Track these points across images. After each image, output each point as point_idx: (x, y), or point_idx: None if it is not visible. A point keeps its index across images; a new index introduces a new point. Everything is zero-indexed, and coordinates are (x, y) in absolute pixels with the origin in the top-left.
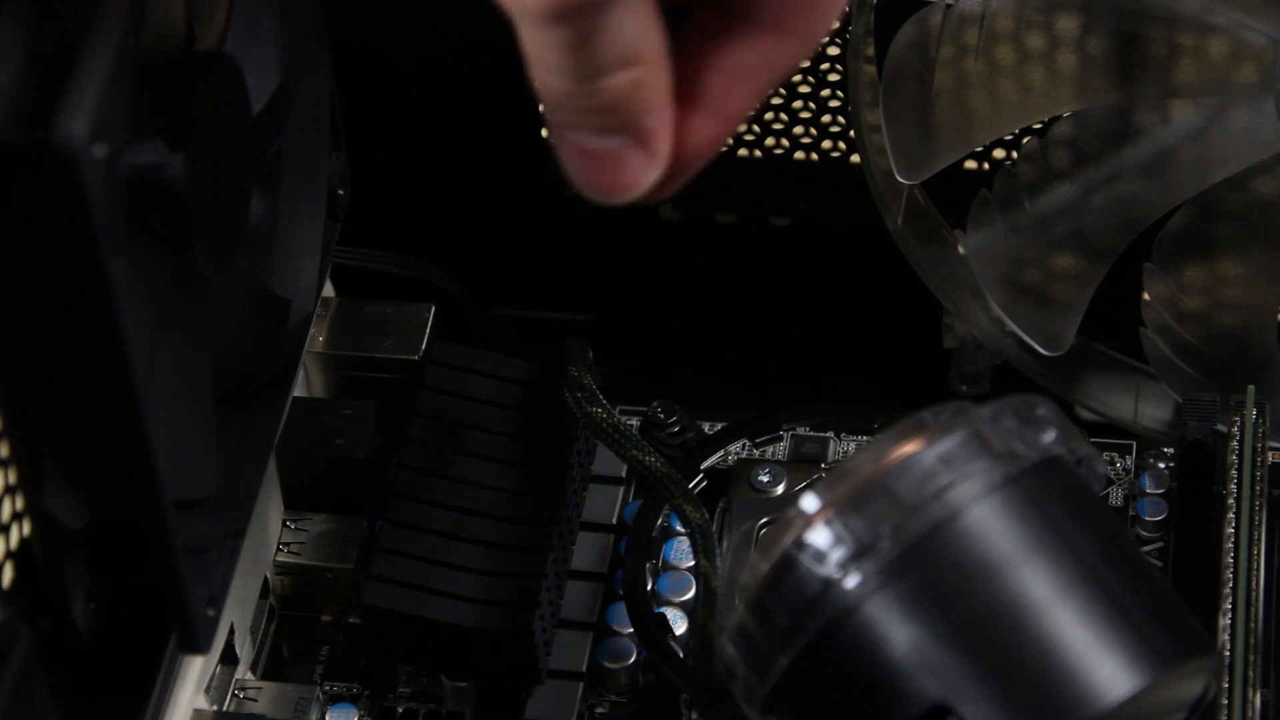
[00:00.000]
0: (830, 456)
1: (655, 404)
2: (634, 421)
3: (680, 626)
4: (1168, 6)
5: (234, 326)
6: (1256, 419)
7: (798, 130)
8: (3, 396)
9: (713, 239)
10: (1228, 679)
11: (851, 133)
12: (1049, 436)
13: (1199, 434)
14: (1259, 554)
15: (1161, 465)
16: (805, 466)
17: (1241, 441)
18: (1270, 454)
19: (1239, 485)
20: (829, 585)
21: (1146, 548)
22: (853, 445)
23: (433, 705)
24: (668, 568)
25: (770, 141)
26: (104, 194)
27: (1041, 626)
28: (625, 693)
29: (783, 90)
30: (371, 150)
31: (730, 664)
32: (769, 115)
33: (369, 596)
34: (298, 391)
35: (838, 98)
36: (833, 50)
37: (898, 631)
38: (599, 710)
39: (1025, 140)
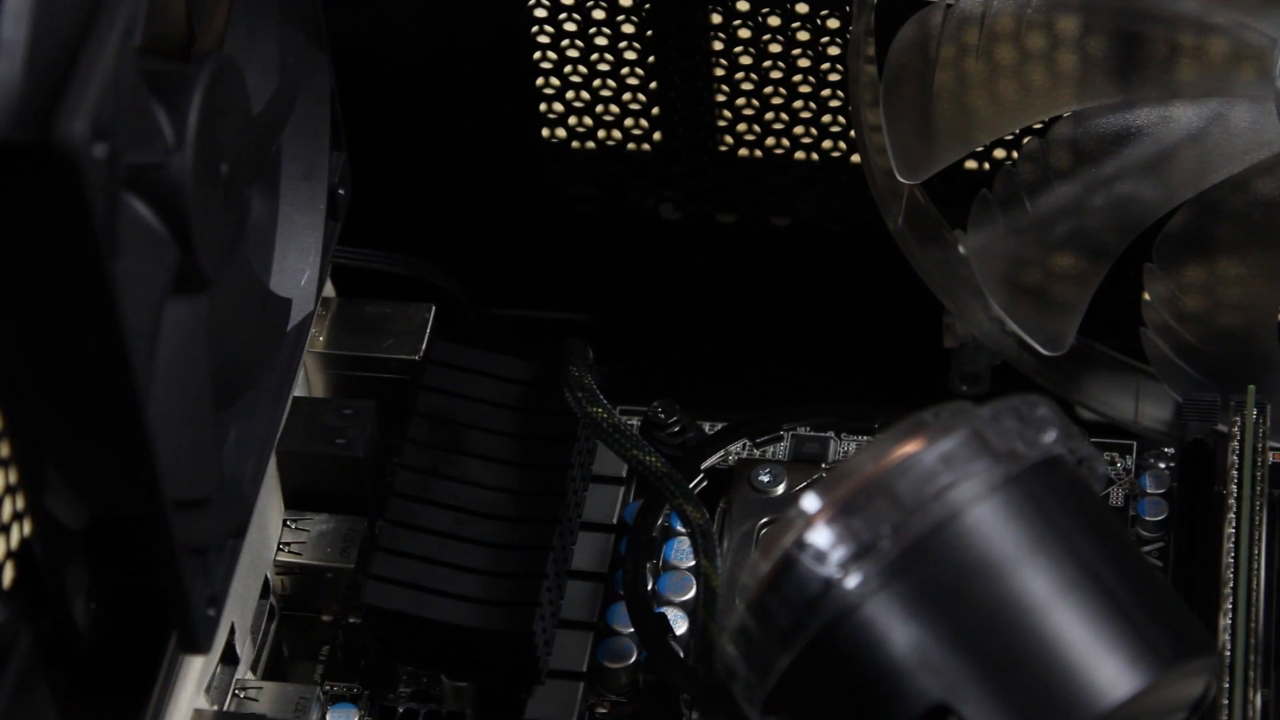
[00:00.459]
0: (830, 456)
1: (655, 404)
2: (634, 421)
3: (681, 626)
4: (1168, 6)
5: (234, 326)
6: (1257, 419)
7: (798, 130)
8: (3, 396)
9: (713, 239)
10: (1228, 679)
11: (852, 133)
12: (1049, 436)
13: (1199, 434)
14: (1259, 554)
15: (1162, 465)
16: (805, 466)
17: (1242, 441)
18: (1271, 454)
19: (1239, 485)
20: (829, 585)
21: (1147, 548)
22: (853, 445)
23: (433, 705)
24: (668, 568)
25: (770, 141)
26: (104, 194)
27: (1042, 626)
28: (626, 693)
29: (783, 90)
30: (371, 150)
31: (731, 664)
32: (769, 115)
33: (369, 596)
34: (298, 391)
35: (838, 98)
36: (833, 50)
37: (898, 631)
38: (600, 710)
39: (1025, 140)
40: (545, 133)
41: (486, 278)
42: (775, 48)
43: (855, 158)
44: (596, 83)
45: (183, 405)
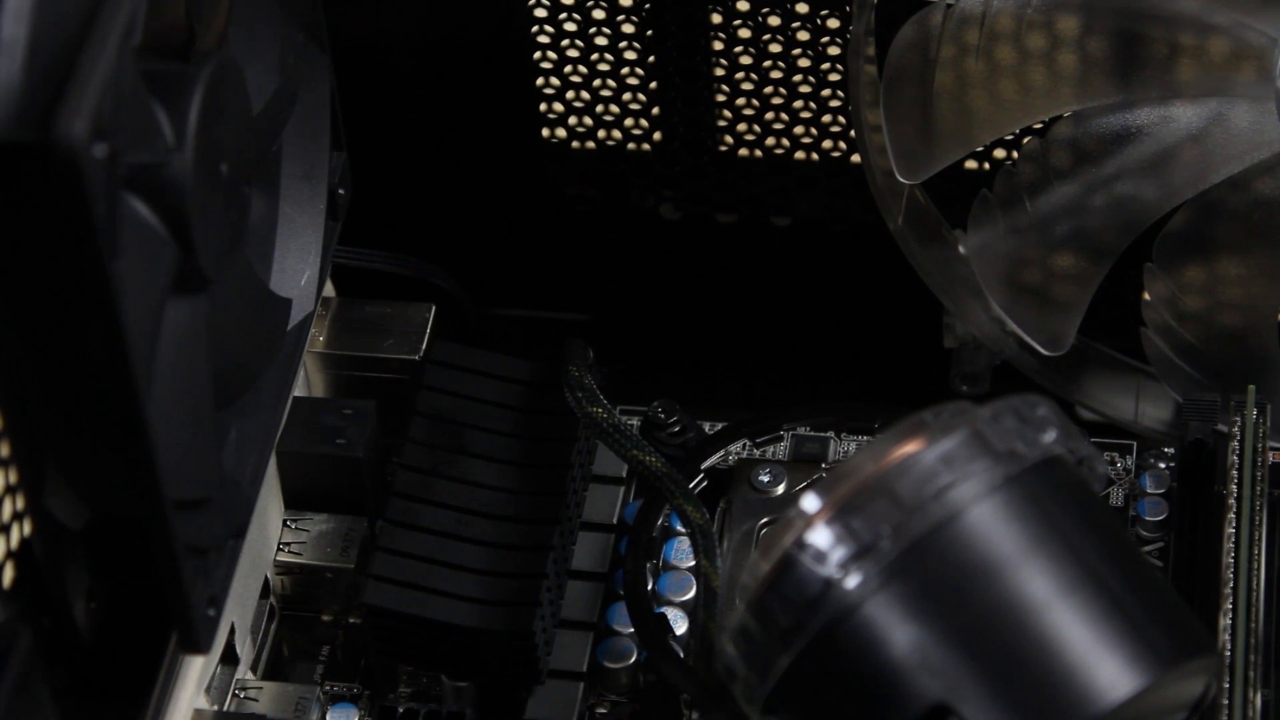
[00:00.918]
0: (831, 456)
1: (655, 404)
2: (634, 421)
3: (681, 626)
4: (1168, 6)
5: (234, 326)
6: (1257, 419)
7: (798, 130)
8: (3, 396)
9: (713, 239)
10: (1228, 679)
11: (852, 133)
12: (1049, 436)
13: (1199, 434)
14: (1259, 554)
15: (1162, 465)
16: (806, 466)
17: (1242, 441)
18: (1271, 454)
19: (1239, 485)
20: (829, 585)
21: (1147, 548)
22: (853, 445)
23: (433, 705)
24: (668, 568)
25: (770, 141)
26: (104, 194)
27: (1042, 626)
28: (626, 693)
29: (783, 90)
30: (371, 150)
31: (731, 664)
32: (769, 115)
33: (369, 596)
34: (298, 391)
35: (838, 98)
36: (833, 50)
37: (898, 631)
38: (600, 710)
39: (1026, 140)
40: (545, 133)
41: (486, 278)
42: (775, 48)
43: (855, 158)
44: (596, 83)
45: (183, 405)
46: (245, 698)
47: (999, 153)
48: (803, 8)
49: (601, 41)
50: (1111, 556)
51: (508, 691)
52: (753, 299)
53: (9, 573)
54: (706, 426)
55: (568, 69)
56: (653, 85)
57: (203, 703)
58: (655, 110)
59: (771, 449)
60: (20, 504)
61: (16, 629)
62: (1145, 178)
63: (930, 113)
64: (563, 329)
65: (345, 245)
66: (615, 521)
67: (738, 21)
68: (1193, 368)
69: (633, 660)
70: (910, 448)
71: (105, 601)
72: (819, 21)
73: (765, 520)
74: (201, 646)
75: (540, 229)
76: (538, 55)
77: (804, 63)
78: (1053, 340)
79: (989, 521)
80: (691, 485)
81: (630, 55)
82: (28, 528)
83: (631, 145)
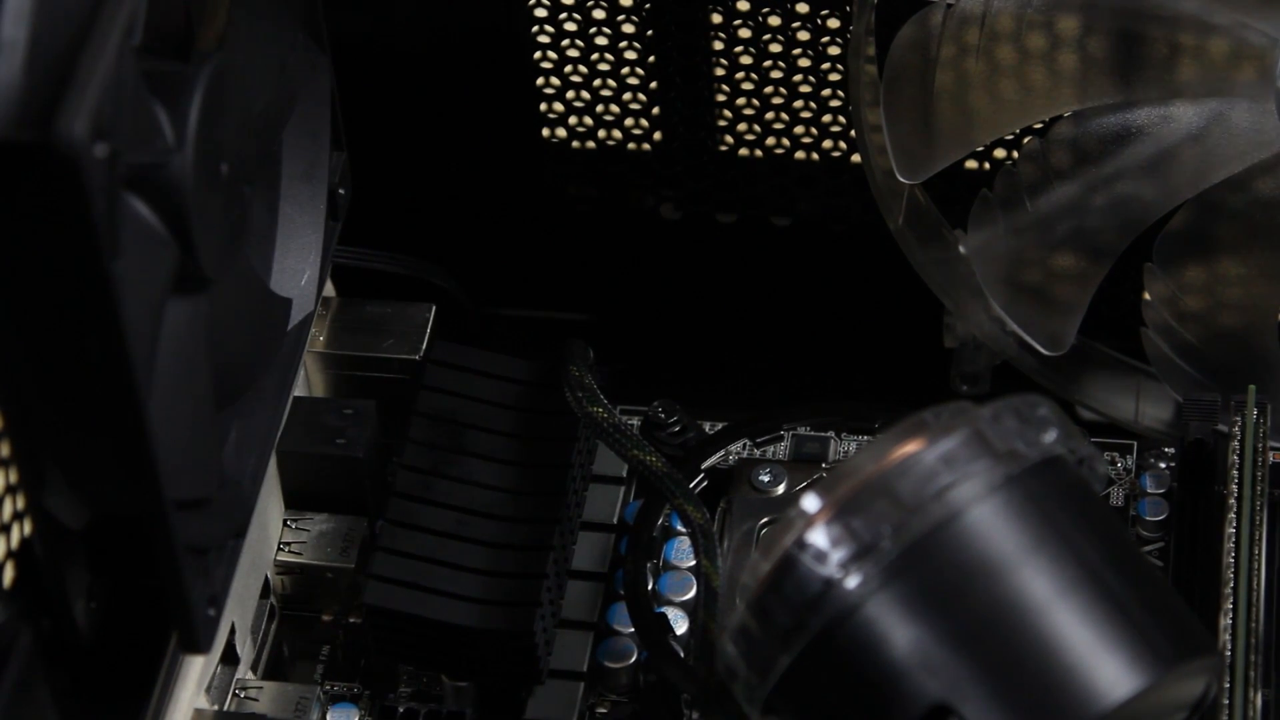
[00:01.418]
0: (831, 456)
1: (655, 404)
2: (634, 421)
3: (681, 626)
4: (1169, 6)
5: (234, 326)
6: (1257, 419)
7: (798, 130)
8: (3, 396)
9: (713, 239)
10: (1229, 679)
11: (852, 132)
12: (1050, 436)
13: (1200, 434)
14: (1260, 554)
15: (1162, 465)
16: (806, 466)
17: (1242, 441)
18: (1271, 454)
19: (1240, 485)
20: (830, 585)
21: (1147, 548)
22: (853, 445)
23: (433, 705)
24: (668, 567)
25: (770, 141)
26: (104, 194)
27: (1043, 626)
28: (626, 692)
29: (783, 90)
30: (371, 150)
31: (731, 664)
32: (769, 115)
33: (370, 596)
34: (298, 391)
35: (838, 97)
36: (833, 50)
37: (899, 631)
38: (600, 710)
39: (1026, 140)
40: (545, 133)
41: (486, 278)
42: (775, 47)
43: (855, 158)
44: (597, 83)
45: (183, 405)
46: (245, 697)
47: (999, 153)
48: (803, 8)
49: (602, 41)
50: (1112, 556)
51: (508, 691)
52: (753, 299)
53: (9, 573)
54: (706, 426)
55: (568, 69)
56: (653, 85)
57: (203, 702)
58: (655, 110)
59: (771, 449)
60: (20, 504)
61: (16, 629)
62: (1145, 178)
63: (930, 113)
64: (563, 329)
65: (345, 245)
66: (615, 521)
67: (738, 21)
68: (1193, 368)
69: (633, 660)
70: (911, 448)
71: (105, 601)
72: (819, 21)
73: (765, 520)
74: (202, 646)
75: (540, 229)
76: (538, 55)
77: (804, 62)
78: (1053, 340)
79: (989, 521)
80: (692, 485)
81: (630, 55)
82: (28, 528)
83: (631, 145)
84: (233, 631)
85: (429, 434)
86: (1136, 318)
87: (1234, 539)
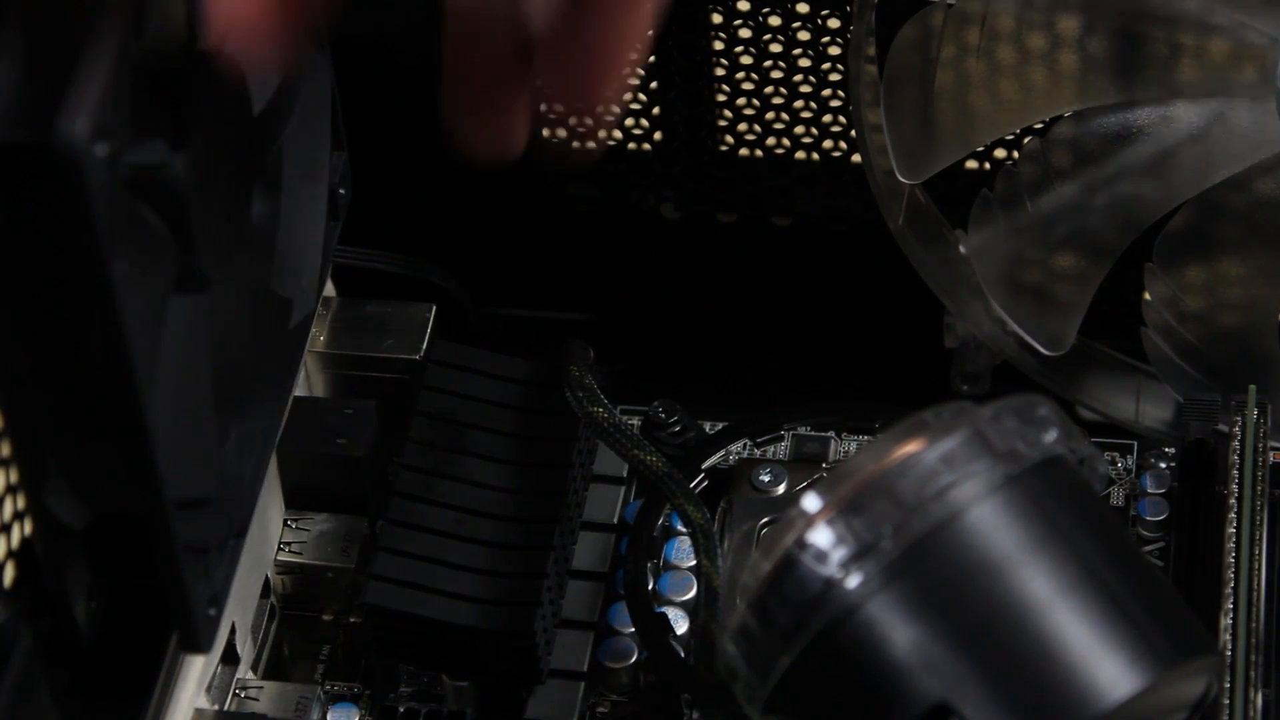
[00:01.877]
0: (831, 456)
1: (656, 404)
2: (635, 421)
3: (681, 626)
4: (1169, 6)
5: (235, 326)
6: (1258, 419)
7: (799, 130)
8: (3, 396)
9: (713, 239)
10: (1229, 679)
11: (852, 132)
12: (1050, 436)
13: (1200, 434)
14: (1260, 554)
15: (1163, 465)
16: (806, 466)
17: (1243, 441)
18: (1271, 454)
19: (1240, 485)
20: (830, 585)
21: (1147, 548)
22: (854, 445)
23: (434, 705)
24: (669, 567)
25: (771, 141)
26: (105, 194)
27: (1043, 626)
28: (626, 692)
29: (784, 90)
30: (372, 150)
31: (732, 664)
32: (769, 115)
33: (370, 596)
34: (298, 391)
35: (839, 97)
36: (834, 50)
37: (899, 631)
38: (600, 710)
39: (1026, 140)
40: (545, 133)
41: (486, 278)
42: (776, 47)
43: (856, 158)
44: None
45: (183, 405)
46: (246, 697)
47: (999, 153)
48: (803, 8)
49: None
50: (1112, 556)
51: (508, 691)
52: (753, 299)
53: (9, 573)
54: (706, 426)
55: None
56: (653, 85)
57: (203, 702)
58: (656, 110)
59: (772, 449)
60: (21, 504)
61: (16, 629)
62: (1146, 178)
63: (931, 113)
64: (563, 329)
65: (345, 245)
66: (616, 521)
67: (738, 21)
68: (1193, 368)
69: (633, 660)
70: (911, 448)
71: (105, 601)
72: (819, 21)
73: (766, 520)
74: (202, 646)
75: (540, 229)
76: None
77: (804, 63)
78: (1053, 340)
79: (990, 521)
80: (692, 485)
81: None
82: (28, 528)
83: (632, 145)
84: (233, 631)
85: (429, 434)
86: (1137, 318)
87: (1234, 539)
